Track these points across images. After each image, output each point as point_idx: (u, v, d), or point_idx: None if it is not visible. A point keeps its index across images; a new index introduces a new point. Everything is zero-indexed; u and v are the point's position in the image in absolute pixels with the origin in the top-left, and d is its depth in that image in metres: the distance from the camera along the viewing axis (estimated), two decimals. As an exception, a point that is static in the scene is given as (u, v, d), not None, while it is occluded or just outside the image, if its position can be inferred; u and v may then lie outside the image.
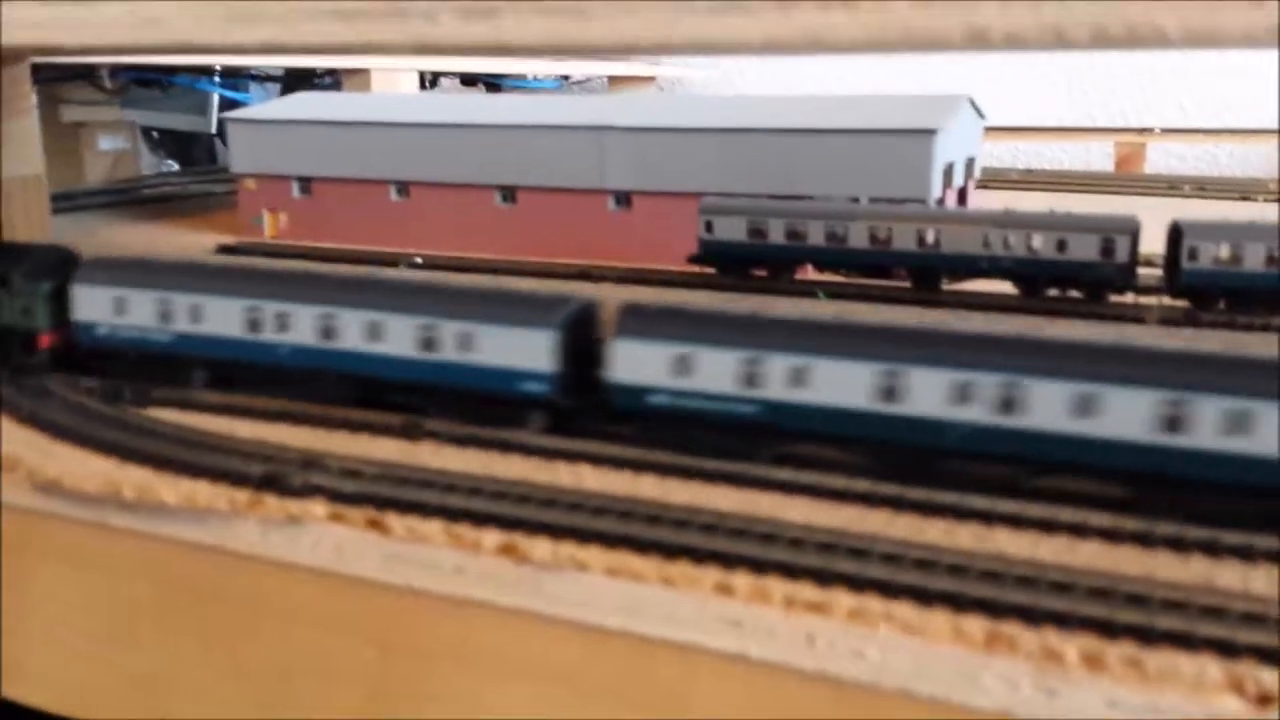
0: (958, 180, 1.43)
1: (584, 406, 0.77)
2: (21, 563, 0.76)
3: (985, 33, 0.48)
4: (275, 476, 0.68)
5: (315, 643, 0.67)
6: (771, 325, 0.73)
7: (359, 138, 1.59)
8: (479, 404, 0.78)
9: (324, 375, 0.83)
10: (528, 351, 0.76)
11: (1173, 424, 0.61)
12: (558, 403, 0.77)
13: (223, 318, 0.85)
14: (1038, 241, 1.12)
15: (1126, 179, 2.37)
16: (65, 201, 1.90)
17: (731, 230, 1.25)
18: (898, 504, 0.63)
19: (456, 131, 1.54)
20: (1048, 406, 0.64)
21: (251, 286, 0.85)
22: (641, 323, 0.75)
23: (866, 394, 0.68)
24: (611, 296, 0.81)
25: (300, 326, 0.82)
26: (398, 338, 0.80)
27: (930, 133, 1.26)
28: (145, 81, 2.26)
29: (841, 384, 0.69)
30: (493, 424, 0.77)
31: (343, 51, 0.82)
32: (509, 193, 1.52)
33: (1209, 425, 0.61)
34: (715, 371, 0.71)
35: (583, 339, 0.77)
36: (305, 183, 1.65)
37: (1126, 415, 0.62)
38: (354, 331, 0.81)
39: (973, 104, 1.47)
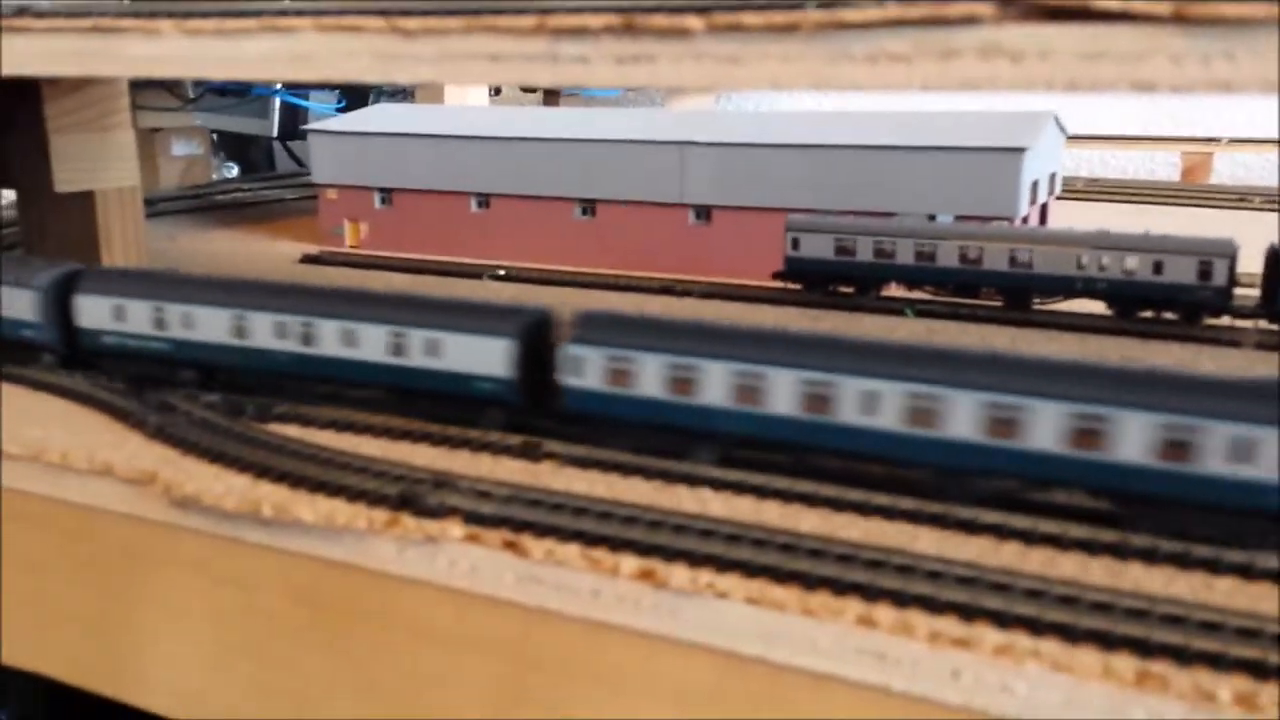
0: (1042, 196, 1.42)
1: (68, 348, 1.00)
2: (153, 574, 0.79)
3: (1152, 84, 0.48)
4: (411, 496, 0.70)
5: (446, 659, 0.68)
6: (177, 281, 0.97)
7: (440, 150, 1.62)
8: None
9: None
10: (22, 305, 1.00)
11: (417, 351, 0.85)
12: (45, 345, 1.00)
13: None
14: (1133, 263, 1.12)
15: (1194, 189, 2.34)
16: (146, 207, 1.94)
17: (818, 248, 1.26)
18: (1028, 538, 0.64)
19: (536, 145, 1.56)
20: (374, 345, 0.87)
21: None
22: (93, 282, 0.98)
23: (224, 332, 0.91)
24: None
25: None
26: None
27: (1019, 151, 1.26)
28: (222, 90, 2.31)
29: (211, 326, 0.92)
30: (9, 363, 0.99)
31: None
32: (588, 206, 1.54)
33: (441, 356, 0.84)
34: (137, 318, 0.95)
35: (64, 296, 0.99)
36: (386, 193, 1.68)
37: (390, 349, 0.87)
38: None
39: (1056, 120, 1.47)
